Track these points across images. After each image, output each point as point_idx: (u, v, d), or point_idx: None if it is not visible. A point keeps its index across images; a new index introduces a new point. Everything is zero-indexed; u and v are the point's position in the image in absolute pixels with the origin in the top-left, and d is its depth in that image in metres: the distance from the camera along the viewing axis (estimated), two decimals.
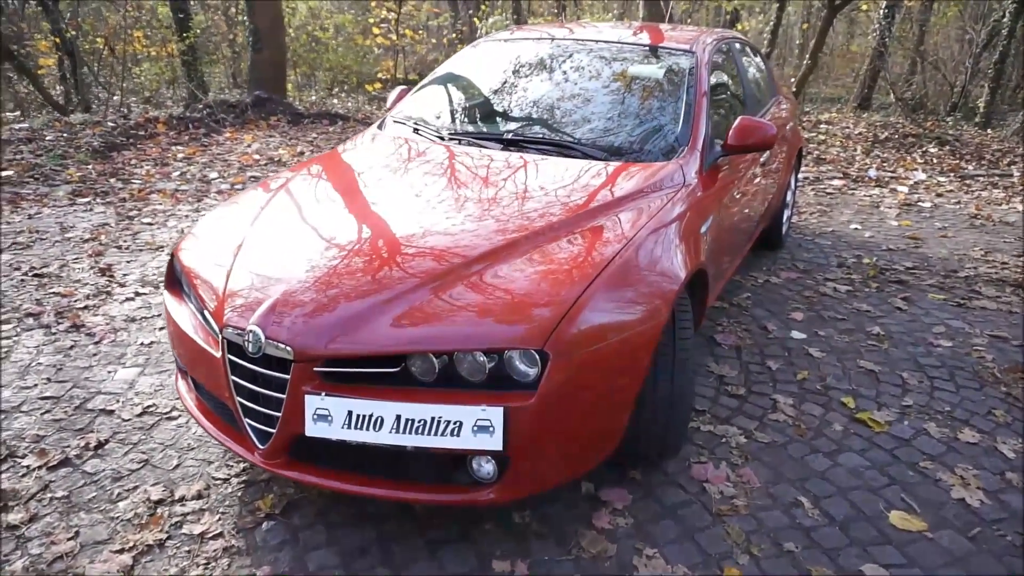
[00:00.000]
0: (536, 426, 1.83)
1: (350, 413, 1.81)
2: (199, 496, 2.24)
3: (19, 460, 2.39)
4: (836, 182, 6.69)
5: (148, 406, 2.71)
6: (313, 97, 12.40)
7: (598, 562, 2.04)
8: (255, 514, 2.16)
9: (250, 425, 1.99)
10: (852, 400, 2.90)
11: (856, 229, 5.28)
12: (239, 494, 2.25)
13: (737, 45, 3.94)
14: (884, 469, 2.48)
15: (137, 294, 3.71)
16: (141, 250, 4.39)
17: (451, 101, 3.35)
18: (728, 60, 3.62)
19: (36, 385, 2.83)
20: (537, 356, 1.82)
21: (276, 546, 2.05)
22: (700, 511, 2.26)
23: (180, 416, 2.66)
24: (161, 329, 3.33)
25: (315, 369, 1.86)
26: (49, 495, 2.23)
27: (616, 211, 2.35)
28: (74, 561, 1.97)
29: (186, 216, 5.09)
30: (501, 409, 1.78)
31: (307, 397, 1.84)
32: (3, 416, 2.63)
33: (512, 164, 2.69)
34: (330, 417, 1.83)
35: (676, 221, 2.39)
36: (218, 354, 2.01)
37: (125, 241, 4.52)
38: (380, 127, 3.30)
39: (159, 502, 2.21)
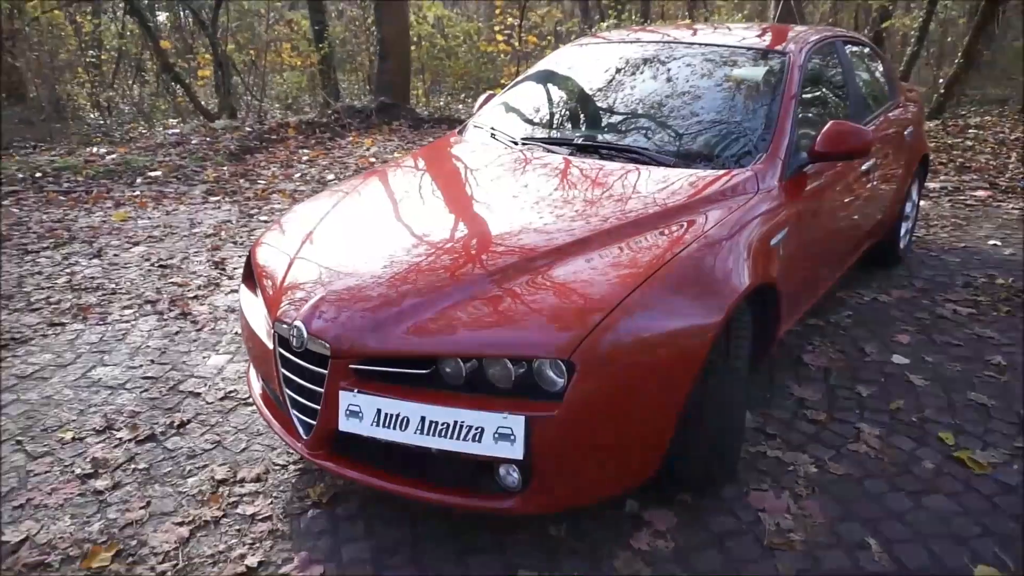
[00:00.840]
0: (560, 438, 1.79)
1: (379, 411, 1.86)
2: (258, 479, 2.38)
3: (115, 432, 2.65)
4: (980, 193, 6.04)
5: (230, 391, 2.91)
6: (441, 102, 12.84)
7: None
8: (303, 501, 2.27)
9: (296, 416, 2.09)
10: (952, 436, 2.61)
11: (995, 246, 4.74)
12: (293, 481, 2.37)
13: (849, 46, 3.66)
14: (978, 518, 2.21)
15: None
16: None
17: (528, 106, 3.35)
18: (832, 61, 3.37)
19: (141, 366, 3.13)
20: (563, 367, 1.78)
21: (316, 534, 2.14)
22: (751, 543, 2.11)
23: (254, 403, 2.84)
24: None
25: (351, 366, 1.92)
26: (133, 466, 2.45)
27: (678, 219, 2.25)
28: (141, 528, 2.16)
29: None
30: (523, 418, 1.75)
31: (341, 393, 1.90)
32: (110, 392, 2.93)
33: (578, 170, 2.65)
34: (361, 414, 1.88)
35: (741, 231, 2.26)
36: (271, 346, 2.13)
37: (241, 237, 4.89)
38: (461, 132, 3.36)
39: (222, 481, 2.37)
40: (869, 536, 2.13)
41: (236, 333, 3.43)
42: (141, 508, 2.25)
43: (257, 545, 2.10)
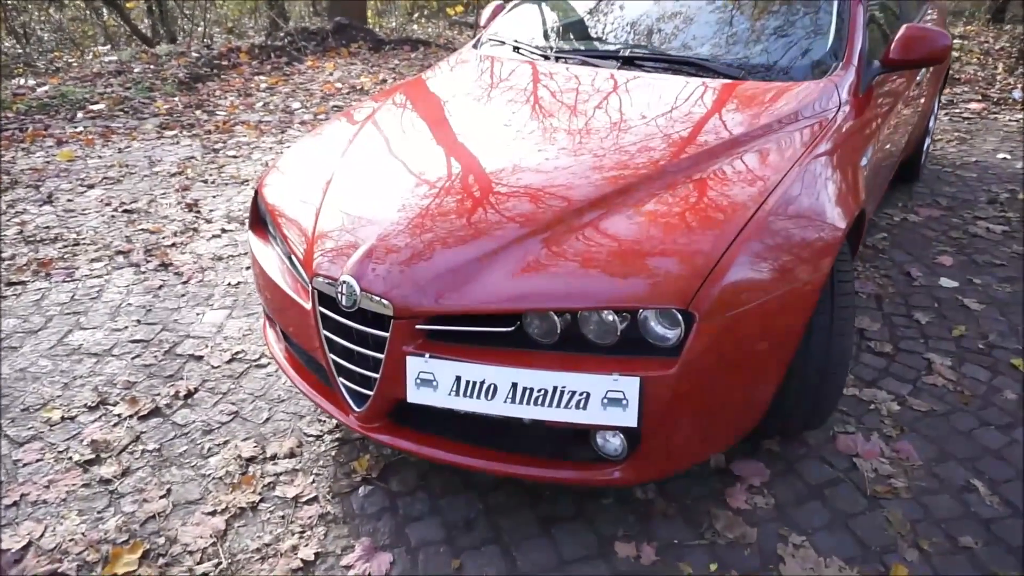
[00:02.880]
0: (675, 399, 1.54)
1: (458, 378, 1.57)
2: (291, 455, 2.08)
3: (111, 408, 2.29)
4: (974, 105, 5.91)
5: (237, 352, 2.57)
6: (393, 23, 12.02)
7: (736, 549, 1.77)
8: (351, 477, 1.99)
9: (344, 385, 1.79)
10: None
11: (1005, 159, 4.61)
12: (333, 454, 2.09)
13: None
14: None
15: (223, 231, 3.59)
16: (226, 184, 4.26)
17: (556, 15, 2.96)
18: None
19: (127, 327, 2.74)
20: (680, 317, 1.52)
21: (375, 514, 1.88)
22: (852, 492, 1.94)
23: (269, 364, 2.51)
24: (247, 268, 3.19)
25: (418, 327, 1.62)
26: (141, 447, 2.12)
27: (761, 142, 1.97)
28: (166, 522, 1.86)
29: (270, 148, 4.93)
30: (636, 380, 1.49)
31: (409, 359, 1.60)
32: (95, 360, 2.55)
33: (630, 87, 2.32)
34: (435, 382, 1.59)
35: (834, 153, 1.99)
36: (308, 305, 1.80)
37: (211, 175, 4.40)
38: (476, 46, 2.96)
39: (251, 460, 2.07)
40: (973, 477, 1.98)
41: (229, 284, 3.05)
42: (161, 497, 1.94)
43: (308, 533, 1.82)
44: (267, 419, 2.24)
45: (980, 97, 6.14)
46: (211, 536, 1.81)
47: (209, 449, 2.11)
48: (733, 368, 1.61)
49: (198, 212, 3.82)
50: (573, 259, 1.60)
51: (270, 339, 2.21)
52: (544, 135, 2.07)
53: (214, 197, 4.05)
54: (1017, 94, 6.18)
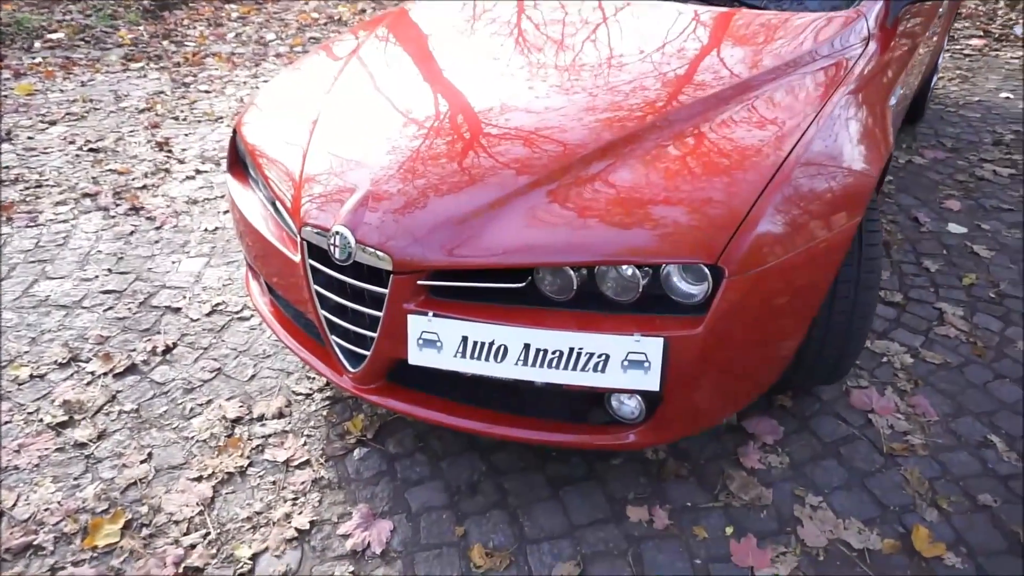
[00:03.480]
0: (700, 360, 1.43)
1: (465, 339, 1.44)
2: (280, 415, 1.96)
3: (83, 365, 2.15)
4: (975, 41, 5.73)
5: (217, 304, 2.42)
6: None
7: (752, 511, 1.70)
8: (344, 439, 1.88)
9: (338, 344, 1.66)
10: None
11: (1008, 99, 4.48)
12: (324, 413, 1.97)
13: None
14: None
15: (197, 172, 3.37)
16: (199, 121, 4.01)
17: None
18: None
19: (97, 276, 2.57)
20: (708, 272, 1.39)
21: (372, 479, 1.77)
22: (868, 450, 1.87)
23: (252, 317, 2.36)
24: (225, 213, 3.01)
25: (420, 282, 1.48)
26: (117, 408, 1.99)
27: (783, 81, 1.81)
28: (148, 489, 1.74)
29: (244, 83, 4.65)
30: (660, 340, 1.37)
31: (411, 317, 1.47)
32: (64, 313, 2.38)
33: (649, 13, 2.13)
34: (439, 343, 1.47)
35: (863, 92, 1.84)
36: (296, 258, 1.64)
37: (182, 111, 4.14)
38: None
39: (236, 420, 1.94)
40: (990, 433, 1.92)
41: (207, 230, 2.87)
42: (142, 462, 1.82)
43: (301, 500, 1.72)
44: (252, 376, 2.11)
45: (981, 33, 5.96)
46: (197, 504, 1.70)
47: (191, 409, 1.98)
48: (759, 325, 1.50)
49: (169, 152, 3.58)
50: (591, 209, 1.46)
51: (253, 291, 2.06)
52: (555, 66, 1.89)
53: (186, 135, 3.80)
54: (1019, 30, 6.00)
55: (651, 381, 1.40)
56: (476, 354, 1.44)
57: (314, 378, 2.09)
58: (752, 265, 1.41)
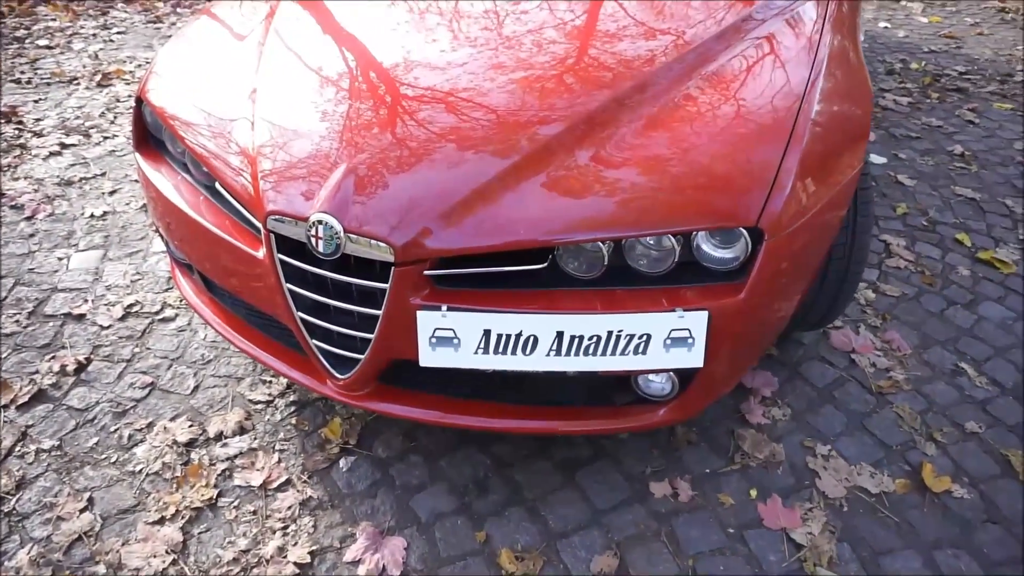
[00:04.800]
0: (741, 328, 1.34)
1: (487, 333, 1.26)
2: (241, 430, 1.70)
3: None
4: None
5: (130, 305, 2.06)
6: None
7: (770, 470, 1.66)
8: (325, 448, 1.66)
9: (318, 347, 1.42)
10: (967, 237, 2.52)
11: (887, 28, 4.70)
12: (293, 421, 1.72)
13: None
14: None
15: (63, 146, 2.86)
16: (48, 84, 3.41)
17: None
18: None
19: None
20: (746, 236, 1.28)
21: (367, 491, 1.57)
22: (859, 391, 1.89)
23: (179, 315, 2.03)
24: (112, 193, 2.57)
25: (425, 273, 1.27)
26: (32, 447, 1.64)
27: (771, 24, 1.71)
28: (100, 543, 1.45)
29: (94, 36, 4.00)
30: (704, 314, 1.26)
31: (420, 314, 1.26)
32: None
33: None
34: (456, 339, 1.28)
35: (846, 27, 1.78)
36: (259, 253, 1.37)
37: (23, 72, 3.50)
38: None
39: (190, 444, 1.66)
40: (959, 360, 2.00)
41: (93, 216, 2.43)
42: (82, 511, 1.51)
43: (293, 528, 1.49)
44: (195, 388, 1.81)
45: None
46: (168, 552, 1.43)
47: (130, 437, 1.67)
48: (788, 283, 1.42)
49: (20, 123, 3.02)
50: (615, 175, 1.30)
51: (186, 290, 1.75)
52: (519, 26, 1.69)
53: (36, 102, 3.22)
54: None
55: (695, 358, 1.29)
56: (501, 348, 1.27)
57: (271, 380, 1.83)
58: (787, 224, 1.31)
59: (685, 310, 1.26)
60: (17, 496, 1.53)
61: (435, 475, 1.62)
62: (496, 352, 1.27)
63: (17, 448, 1.63)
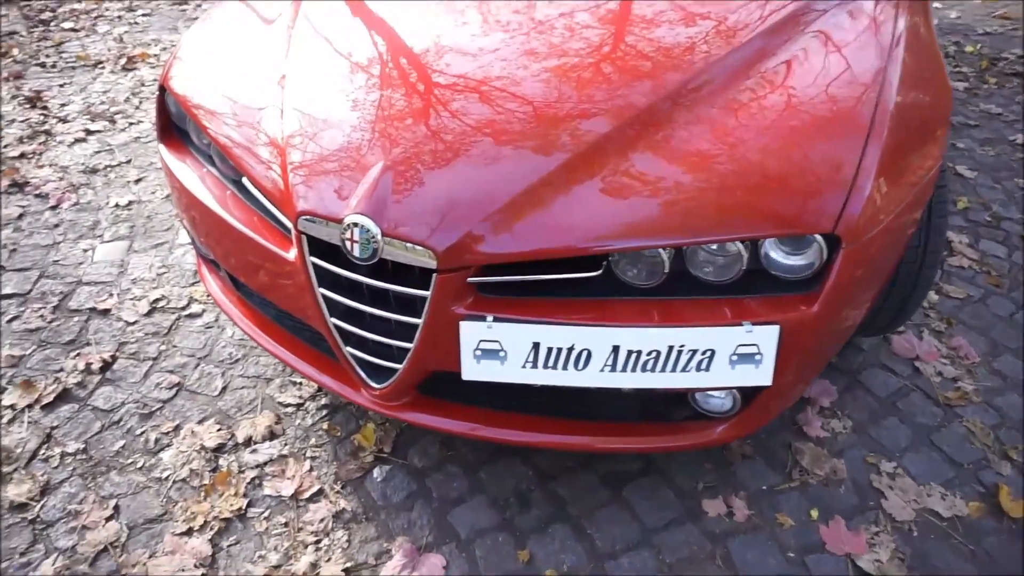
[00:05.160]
0: (810, 344, 1.22)
1: (536, 346, 1.16)
2: (271, 435, 1.62)
3: None
4: None
5: (155, 300, 1.99)
6: None
7: (831, 488, 1.55)
8: (358, 457, 1.58)
9: (352, 355, 1.33)
10: None
11: (938, 8, 4.47)
12: (324, 427, 1.65)
13: None
14: None
15: (88, 132, 2.80)
16: (73, 68, 3.35)
17: None
18: None
19: None
20: (821, 243, 1.17)
21: (403, 503, 1.49)
22: (924, 402, 1.76)
23: (205, 311, 1.96)
24: (137, 182, 2.50)
25: (469, 280, 1.17)
26: (57, 450, 1.58)
27: (843, 4, 1.58)
28: (126, 555, 1.39)
29: (120, 18, 3.94)
30: (775, 328, 1.15)
31: (464, 324, 1.17)
32: None
33: None
34: (503, 352, 1.18)
35: (919, 15, 1.64)
36: (290, 255, 1.29)
37: (48, 56, 3.44)
38: None
39: (218, 449, 1.59)
40: None
41: (118, 205, 2.37)
42: (108, 519, 1.45)
43: (326, 542, 1.42)
44: (223, 389, 1.74)
45: None
46: (196, 566, 1.36)
47: (156, 441, 1.61)
48: (861, 292, 1.31)
49: (45, 108, 2.96)
50: (677, 178, 1.19)
51: (212, 288, 1.67)
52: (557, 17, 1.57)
53: (61, 86, 3.16)
54: None
55: (763, 375, 1.18)
56: (552, 363, 1.17)
57: (301, 383, 1.75)
58: (866, 228, 1.19)
59: (754, 324, 1.15)
60: (42, 502, 1.48)
61: (474, 487, 1.53)
62: (546, 366, 1.18)
63: (42, 451, 1.58)
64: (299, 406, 1.69)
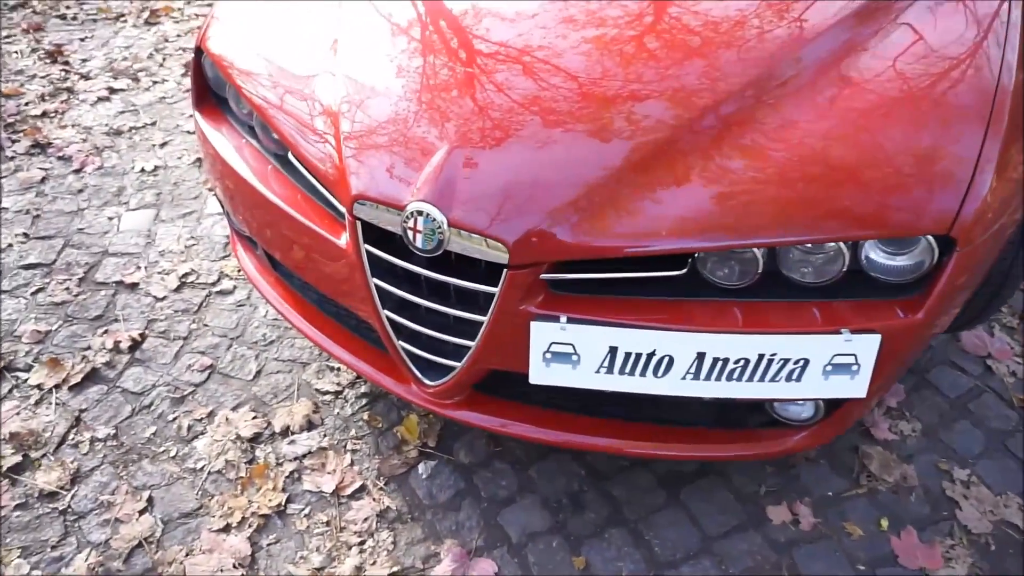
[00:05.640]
0: (909, 351, 1.12)
1: (613, 350, 1.06)
2: (309, 425, 1.54)
3: (21, 376, 1.63)
4: None
5: (185, 274, 1.90)
6: None
7: (901, 495, 1.46)
8: (402, 451, 1.50)
9: (405, 350, 1.24)
10: None
11: None
12: (364, 417, 1.57)
13: None
14: None
15: (111, 91, 2.68)
16: (94, 20, 3.21)
17: None
18: None
19: (11, 245, 1.97)
20: (932, 244, 1.05)
21: (450, 502, 1.42)
22: (997, 404, 1.66)
23: (237, 287, 1.87)
24: (163, 146, 2.39)
25: (542, 276, 1.07)
26: (87, 435, 1.51)
27: None
28: (162, 552, 1.32)
29: None
30: (876, 338, 1.04)
31: (535, 324, 1.07)
32: None
33: None
34: (576, 356, 1.08)
35: None
36: (341, 241, 1.18)
37: (69, 7, 3.30)
38: None
39: (254, 439, 1.51)
40: None
41: (143, 170, 2.27)
42: (141, 513, 1.38)
43: (370, 543, 1.35)
44: (257, 373, 1.66)
45: None
46: (235, 566, 1.30)
47: (189, 428, 1.53)
48: (962, 295, 1.20)
49: (67, 64, 2.83)
50: (772, 171, 1.07)
51: (247, 267, 1.58)
52: None
53: (82, 40, 3.02)
54: None
55: (858, 387, 1.08)
56: (629, 368, 1.07)
57: (338, 368, 1.67)
58: (983, 229, 1.08)
59: (852, 332, 1.04)
60: (72, 491, 1.41)
61: (524, 486, 1.45)
62: (622, 372, 1.08)
63: (71, 435, 1.51)
64: (337, 394, 1.61)
